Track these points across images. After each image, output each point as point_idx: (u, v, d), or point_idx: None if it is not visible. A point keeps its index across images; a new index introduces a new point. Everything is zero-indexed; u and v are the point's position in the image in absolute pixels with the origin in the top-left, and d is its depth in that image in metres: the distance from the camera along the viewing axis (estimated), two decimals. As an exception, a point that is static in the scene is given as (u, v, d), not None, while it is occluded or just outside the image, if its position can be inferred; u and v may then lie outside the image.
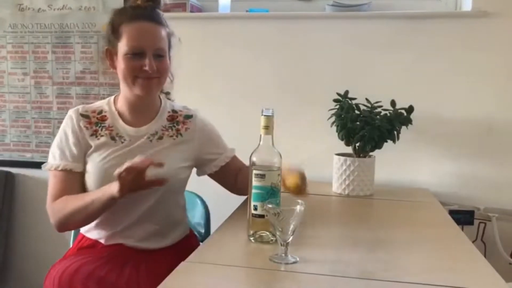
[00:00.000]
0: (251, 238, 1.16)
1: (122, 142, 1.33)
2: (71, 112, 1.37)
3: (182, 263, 1.02)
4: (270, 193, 1.11)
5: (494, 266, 1.03)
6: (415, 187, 1.90)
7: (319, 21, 1.99)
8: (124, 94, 1.36)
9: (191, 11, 2.05)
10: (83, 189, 1.33)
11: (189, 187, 1.55)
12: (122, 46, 1.27)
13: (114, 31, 1.30)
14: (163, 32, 1.32)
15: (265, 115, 1.12)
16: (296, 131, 2.00)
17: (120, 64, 1.29)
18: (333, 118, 1.74)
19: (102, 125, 1.35)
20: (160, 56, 1.30)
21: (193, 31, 2.06)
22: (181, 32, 2.06)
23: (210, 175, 1.49)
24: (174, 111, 1.43)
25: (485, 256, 1.12)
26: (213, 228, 1.58)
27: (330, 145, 1.79)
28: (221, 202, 1.50)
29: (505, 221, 1.87)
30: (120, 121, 1.36)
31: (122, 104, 1.38)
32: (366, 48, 1.94)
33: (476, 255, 1.12)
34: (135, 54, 1.26)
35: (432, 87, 1.90)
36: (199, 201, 1.66)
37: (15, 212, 2.34)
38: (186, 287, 0.94)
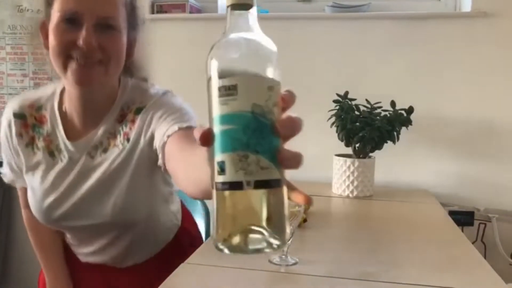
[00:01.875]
0: (222, 247, 0.51)
1: (61, 160, 1.01)
2: (5, 112, 1.06)
3: (182, 265, 1.02)
4: (253, 129, 0.47)
5: (494, 267, 1.03)
6: (415, 188, 1.90)
7: (319, 22, 1.99)
8: (66, 88, 1.02)
9: (191, 12, 2.04)
10: None
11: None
12: (54, 13, 0.92)
13: None
14: None
15: None
16: (295, 132, 1.99)
17: (51, 40, 0.92)
18: (333, 119, 1.74)
19: (40, 130, 1.03)
20: (108, 27, 0.91)
21: (193, 32, 2.05)
22: (181, 33, 2.08)
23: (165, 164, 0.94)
24: (127, 106, 1.01)
25: (485, 257, 1.12)
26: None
27: (330, 146, 1.79)
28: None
29: (505, 222, 1.86)
30: (60, 126, 1.02)
31: (66, 100, 1.02)
32: (366, 49, 1.94)
33: (476, 256, 1.12)
34: (69, 22, 0.90)
35: (432, 88, 1.90)
36: (199, 202, 1.66)
37: (14, 215, 2.34)
38: (185, 289, 0.94)
